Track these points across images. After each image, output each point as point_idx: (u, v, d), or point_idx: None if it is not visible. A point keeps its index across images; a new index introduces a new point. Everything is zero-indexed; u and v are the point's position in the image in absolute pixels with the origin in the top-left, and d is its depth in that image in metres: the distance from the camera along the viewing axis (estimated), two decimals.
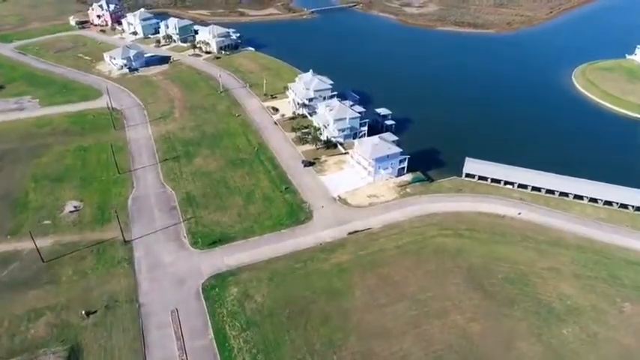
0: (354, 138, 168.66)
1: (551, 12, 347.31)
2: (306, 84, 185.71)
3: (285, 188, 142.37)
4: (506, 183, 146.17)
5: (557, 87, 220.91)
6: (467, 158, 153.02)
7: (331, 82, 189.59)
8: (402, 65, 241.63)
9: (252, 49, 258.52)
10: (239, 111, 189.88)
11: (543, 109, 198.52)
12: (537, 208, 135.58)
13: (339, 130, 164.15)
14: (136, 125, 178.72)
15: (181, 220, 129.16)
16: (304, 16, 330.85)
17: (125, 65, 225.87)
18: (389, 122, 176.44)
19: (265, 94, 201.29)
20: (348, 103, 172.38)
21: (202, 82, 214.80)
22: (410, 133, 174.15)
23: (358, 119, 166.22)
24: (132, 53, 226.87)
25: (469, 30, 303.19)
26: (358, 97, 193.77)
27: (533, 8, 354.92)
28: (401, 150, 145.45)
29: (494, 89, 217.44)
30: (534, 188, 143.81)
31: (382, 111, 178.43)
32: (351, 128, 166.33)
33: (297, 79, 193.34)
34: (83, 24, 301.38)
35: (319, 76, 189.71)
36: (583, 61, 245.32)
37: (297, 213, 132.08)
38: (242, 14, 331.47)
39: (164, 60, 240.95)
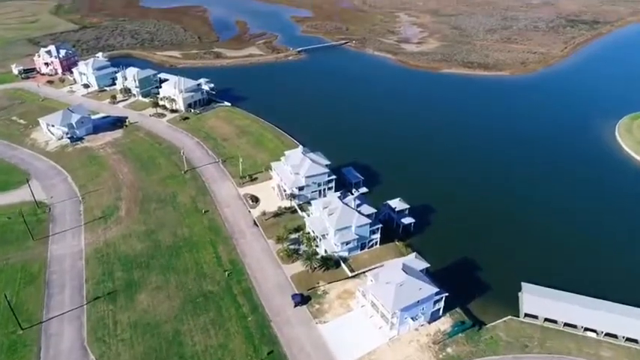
0: (362, 249, 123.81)
1: (565, 47, 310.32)
2: (294, 167, 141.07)
3: (269, 354, 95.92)
4: (586, 329, 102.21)
5: (604, 153, 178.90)
6: (523, 285, 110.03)
7: (327, 163, 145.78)
8: (409, 125, 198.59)
9: (229, 103, 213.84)
10: (207, 203, 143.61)
11: (602, 193, 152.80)
12: None
13: (342, 243, 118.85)
14: (64, 232, 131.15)
15: None
16: (290, 57, 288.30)
17: (66, 134, 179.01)
18: (406, 220, 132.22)
19: (242, 176, 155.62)
20: (353, 201, 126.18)
21: (162, 158, 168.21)
22: (433, 238, 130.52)
23: (368, 226, 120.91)
24: (74, 119, 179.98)
25: (480, 72, 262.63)
26: (362, 177, 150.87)
27: (545, 43, 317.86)
28: (437, 289, 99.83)
29: (529, 161, 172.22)
30: (629, 339, 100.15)
31: (396, 205, 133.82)
32: (360, 238, 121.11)
33: (283, 158, 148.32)
34: (29, 72, 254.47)
35: (311, 155, 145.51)
36: (622, 112, 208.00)
37: None
38: (218, 55, 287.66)
39: (118, 122, 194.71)
